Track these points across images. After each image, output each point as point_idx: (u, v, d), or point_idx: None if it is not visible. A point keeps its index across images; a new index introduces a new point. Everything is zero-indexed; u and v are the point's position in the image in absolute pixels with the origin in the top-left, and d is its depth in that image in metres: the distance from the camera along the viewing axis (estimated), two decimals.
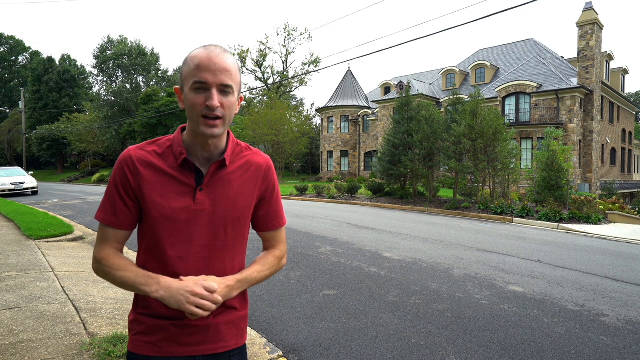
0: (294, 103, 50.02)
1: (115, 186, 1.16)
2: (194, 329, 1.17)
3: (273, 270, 1.29)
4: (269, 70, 47.45)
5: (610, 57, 26.83)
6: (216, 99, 1.08)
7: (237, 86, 1.15)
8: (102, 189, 28.23)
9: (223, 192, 1.17)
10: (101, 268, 1.15)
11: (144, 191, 1.14)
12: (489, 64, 29.72)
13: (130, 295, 4.37)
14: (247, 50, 45.80)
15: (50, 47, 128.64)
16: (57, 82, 53.44)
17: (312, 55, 50.65)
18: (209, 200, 1.16)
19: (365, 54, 39.99)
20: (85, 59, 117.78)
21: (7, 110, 58.77)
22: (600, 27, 23.88)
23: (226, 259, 1.20)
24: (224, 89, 1.10)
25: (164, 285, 1.09)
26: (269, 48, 46.14)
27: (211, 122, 1.10)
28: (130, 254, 6.65)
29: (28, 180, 20.36)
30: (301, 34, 48.43)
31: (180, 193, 1.14)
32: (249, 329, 3.60)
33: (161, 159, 1.16)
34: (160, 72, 51.29)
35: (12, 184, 19.43)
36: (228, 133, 1.22)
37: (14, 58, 69.68)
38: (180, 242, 1.15)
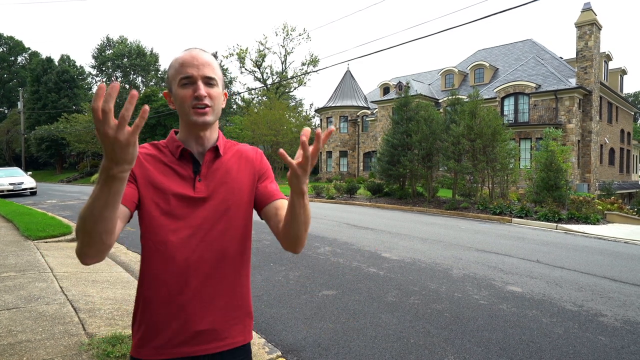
0: (293, 103, 49.86)
1: None
2: (200, 331, 1.17)
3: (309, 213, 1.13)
4: (267, 70, 47.42)
5: (608, 58, 26.86)
6: (202, 89, 1.16)
7: (220, 80, 1.23)
8: None
9: (222, 180, 1.22)
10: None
11: (145, 176, 1.17)
12: (487, 65, 29.74)
13: (129, 296, 4.36)
14: (246, 50, 45.71)
15: (49, 47, 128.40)
16: (56, 82, 53.27)
17: (311, 56, 50.70)
18: (209, 189, 1.20)
19: (365, 54, 40.06)
20: (85, 60, 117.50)
21: (6, 111, 58.70)
22: (599, 28, 23.93)
23: (230, 243, 1.21)
24: (209, 81, 1.18)
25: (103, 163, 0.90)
26: (267, 48, 46.08)
27: (201, 110, 1.17)
28: (130, 254, 6.66)
29: (27, 180, 20.29)
30: (300, 35, 48.33)
31: (180, 184, 1.19)
32: None
33: (160, 154, 1.23)
34: (159, 73, 51.18)
35: (10, 184, 19.35)
36: (218, 132, 1.29)
37: (12, 58, 69.50)
38: (182, 229, 1.16)
